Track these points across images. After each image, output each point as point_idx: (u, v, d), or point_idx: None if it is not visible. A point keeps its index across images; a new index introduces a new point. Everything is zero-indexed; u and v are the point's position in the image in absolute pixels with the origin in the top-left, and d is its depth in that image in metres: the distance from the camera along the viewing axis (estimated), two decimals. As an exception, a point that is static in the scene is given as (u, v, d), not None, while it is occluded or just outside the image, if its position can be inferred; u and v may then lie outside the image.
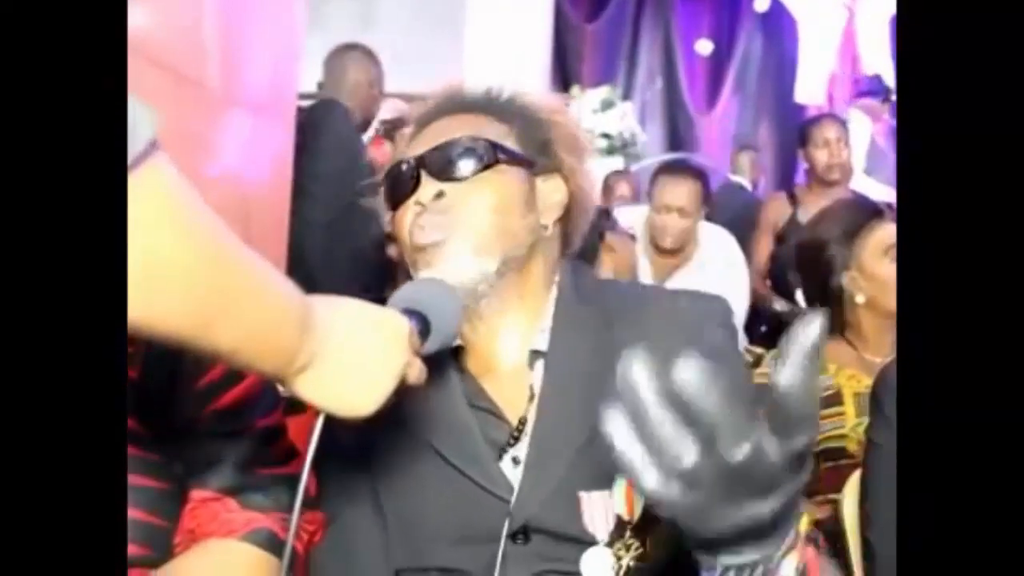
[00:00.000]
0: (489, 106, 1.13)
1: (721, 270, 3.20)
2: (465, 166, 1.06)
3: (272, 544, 1.01)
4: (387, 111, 6.15)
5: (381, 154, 4.48)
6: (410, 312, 0.89)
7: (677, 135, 6.69)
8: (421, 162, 1.07)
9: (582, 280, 1.12)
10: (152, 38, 1.70)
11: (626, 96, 6.29)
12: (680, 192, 3.13)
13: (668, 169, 3.34)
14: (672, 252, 3.20)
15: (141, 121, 0.56)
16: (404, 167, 1.09)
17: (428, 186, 1.06)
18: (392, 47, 6.79)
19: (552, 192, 1.11)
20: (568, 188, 1.13)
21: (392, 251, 2.43)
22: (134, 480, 1.00)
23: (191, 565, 0.99)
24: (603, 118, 5.85)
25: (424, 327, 0.89)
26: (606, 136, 5.79)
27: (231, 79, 2.08)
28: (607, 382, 0.99)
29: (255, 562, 1.00)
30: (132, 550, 0.99)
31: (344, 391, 0.79)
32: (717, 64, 6.78)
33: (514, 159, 1.09)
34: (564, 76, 6.43)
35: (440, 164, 1.06)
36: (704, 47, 6.66)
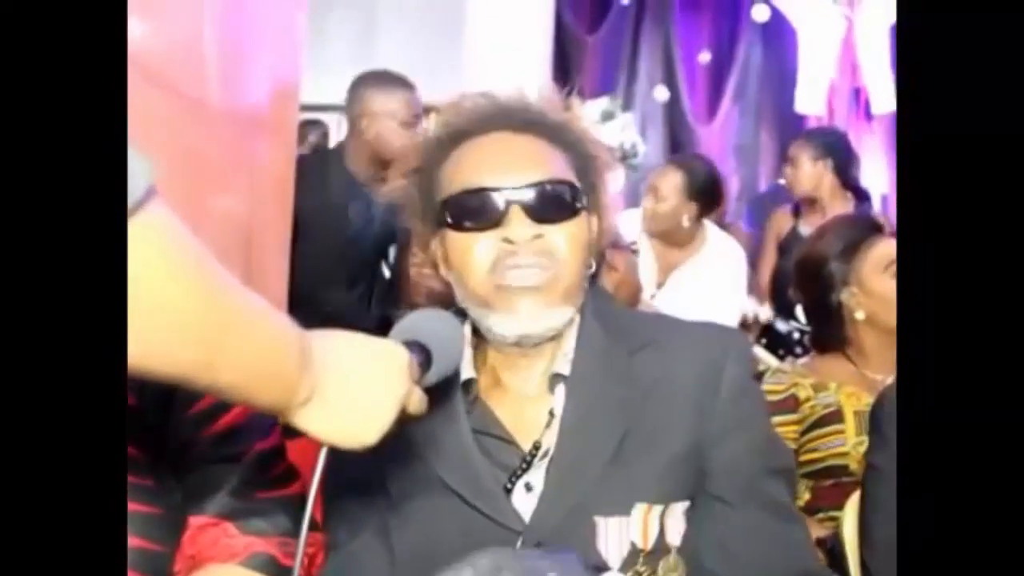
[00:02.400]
0: (544, 128, 1.10)
1: (723, 269, 3.26)
2: (560, 210, 1.04)
3: (272, 569, 1.01)
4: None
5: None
6: (411, 344, 0.89)
7: (678, 145, 6.69)
8: (515, 198, 1.03)
9: (604, 307, 1.12)
10: (152, 57, 1.70)
11: (626, 107, 6.30)
12: (660, 177, 3.27)
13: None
14: (676, 246, 3.25)
15: (138, 170, 0.57)
16: (487, 198, 1.03)
17: (522, 224, 1.02)
18: (392, 60, 6.79)
19: (593, 231, 1.11)
20: (600, 226, 1.13)
21: (415, 271, 2.41)
22: (128, 506, 1.00)
23: None
24: (604, 129, 5.84)
25: (425, 359, 0.89)
26: (607, 148, 5.80)
27: (232, 95, 2.08)
28: (628, 409, 1.01)
29: None
30: None
31: (345, 423, 0.79)
32: (717, 74, 6.78)
33: (585, 206, 1.08)
34: (564, 87, 6.44)
35: (539, 205, 1.03)
36: (703, 57, 6.67)
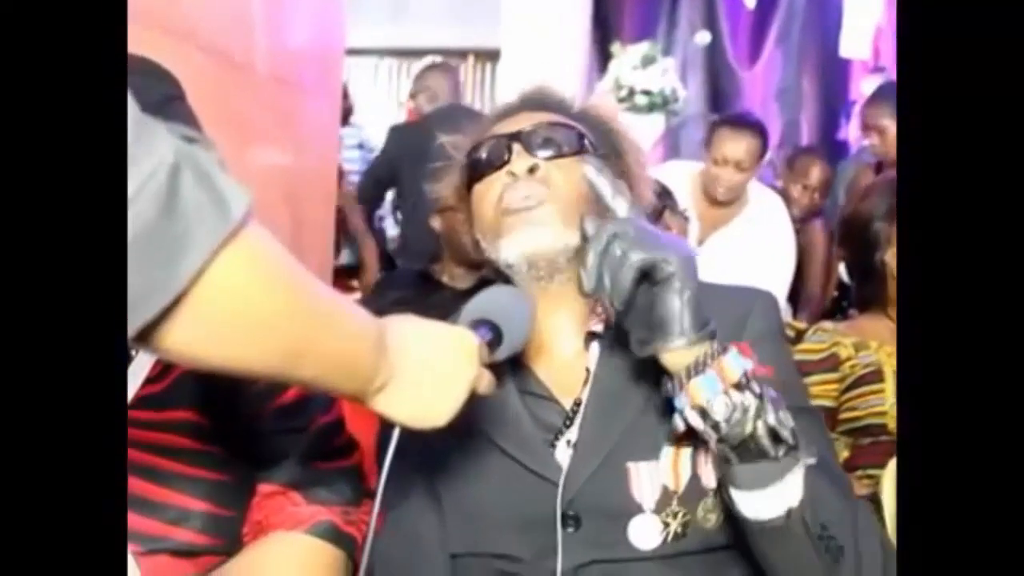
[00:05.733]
0: (564, 110, 1.20)
1: (767, 229, 3.21)
2: (560, 147, 1.13)
3: (335, 536, 1.07)
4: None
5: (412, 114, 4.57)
6: (483, 322, 0.94)
7: (719, 90, 6.58)
8: (516, 137, 1.13)
9: None
10: (203, 26, 1.73)
11: (667, 52, 6.20)
12: (739, 146, 3.12)
13: (728, 122, 3.30)
14: (722, 205, 3.21)
15: (237, 196, 0.63)
16: (495, 142, 1.14)
17: (522, 159, 1.11)
18: (430, 5, 6.76)
19: None
20: (632, 194, 1.17)
21: (436, 223, 2.44)
22: (199, 472, 1.07)
23: (261, 557, 1.05)
24: (644, 74, 5.76)
25: (496, 336, 0.94)
26: (647, 93, 5.73)
27: (278, 60, 2.10)
28: (659, 367, 1.04)
29: (320, 553, 1.07)
30: (199, 539, 1.06)
31: (419, 406, 0.85)
32: (760, 17, 6.62)
33: (597, 155, 1.14)
34: (604, 32, 6.35)
35: (536, 140, 1.12)
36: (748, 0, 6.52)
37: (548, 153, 1.12)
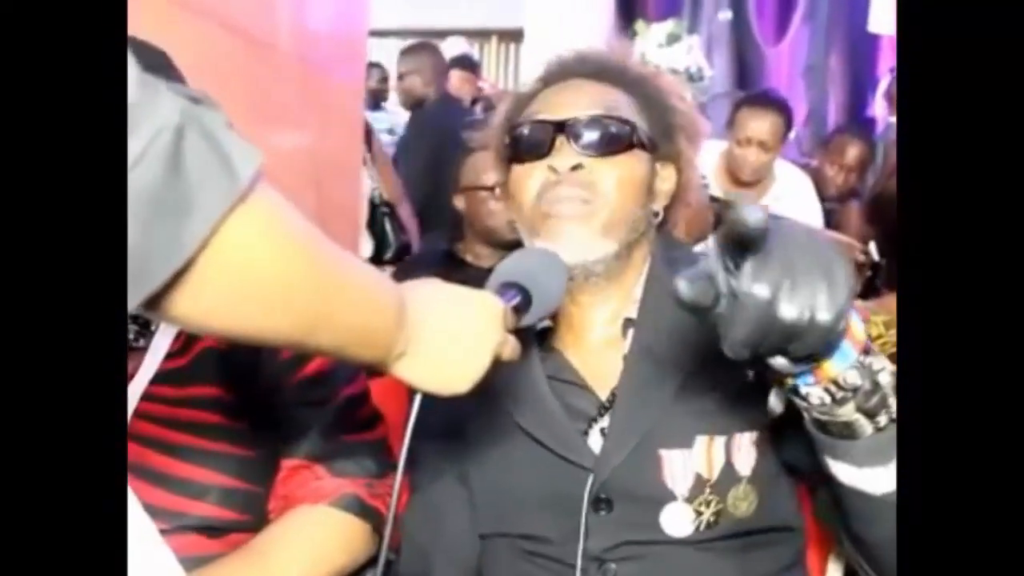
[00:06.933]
0: (619, 78, 1.13)
1: (795, 206, 3.16)
2: (607, 144, 1.06)
3: (359, 508, 1.07)
4: (451, 48, 6.14)
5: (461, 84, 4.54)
6: (512, 285, 0.91)
7: (745, 68, 6.50)
8: (561, 128, 1.07)
9: (673, 252, 1.13)
10: (228, 7, 1.73)
11: (692, 29, 6.14)
12: (763, 125, 3.05)
13: (751, 102, 3.23)
14: (748, 186, 3.16)
15: (246, 157, 0.61)
16: (539, 128, 1.08)
17: (566, 154, 1.06)
18: (454, -16, 6.73)
19: (666, 180, 1.13)
20: (679, 178, 1.14)
21: (460, 203, 2.42)
22: (224, 448, 1.07)
23: (285, 531, 1.05)
24: (669, 53, 5.71)
25: (525, 299, 0.91)
26: (672, 71, 5.68)
27: (301, 40, 2.10)
28: (692, 348, 1.02)
29: (344, 526, 1.07)
30: (225, 514, 1.06)
31: (440, 372, 0.83)
32: (787, -7, 6.55)
33: (646, 145, 1.10)
34: (629, 10, 6.28)
35: (583, 136, 1.06)
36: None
37: (595, 150, 1.06)
